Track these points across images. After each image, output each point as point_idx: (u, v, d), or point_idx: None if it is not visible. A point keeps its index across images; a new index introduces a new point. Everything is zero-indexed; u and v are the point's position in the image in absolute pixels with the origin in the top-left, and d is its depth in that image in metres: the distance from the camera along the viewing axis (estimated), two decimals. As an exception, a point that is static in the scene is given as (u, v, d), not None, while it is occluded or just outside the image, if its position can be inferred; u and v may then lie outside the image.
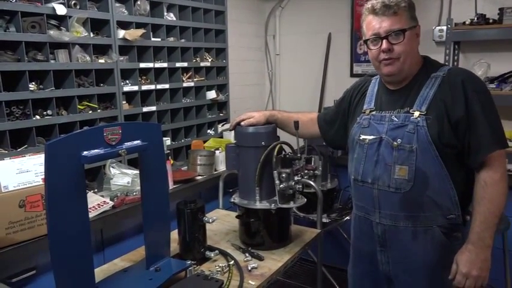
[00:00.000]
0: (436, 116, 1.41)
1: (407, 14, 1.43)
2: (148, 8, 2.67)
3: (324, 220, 2.69)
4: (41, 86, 2.15)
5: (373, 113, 1.56)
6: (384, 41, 1.43)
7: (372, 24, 1.45)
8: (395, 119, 1.48)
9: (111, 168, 2.34)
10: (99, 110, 2.42)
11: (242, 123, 1.75)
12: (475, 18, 2.75)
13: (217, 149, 2.90)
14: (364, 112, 1.60)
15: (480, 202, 1.40)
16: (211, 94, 3.23)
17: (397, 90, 1.53)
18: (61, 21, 2.22)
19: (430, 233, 1.46)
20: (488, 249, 1.40)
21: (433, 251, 1.47)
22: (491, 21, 2.73)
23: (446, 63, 2.77)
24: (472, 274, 1.39)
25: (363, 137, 1.56)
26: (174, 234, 1.66)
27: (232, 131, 1.82)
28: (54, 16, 2.16)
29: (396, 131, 1.47)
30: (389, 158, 1.47)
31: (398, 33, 1.41)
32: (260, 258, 1.64)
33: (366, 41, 1.49)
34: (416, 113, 1.43)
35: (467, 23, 2.78)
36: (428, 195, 1.43)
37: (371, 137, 1.53)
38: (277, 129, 1.81)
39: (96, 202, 2.07)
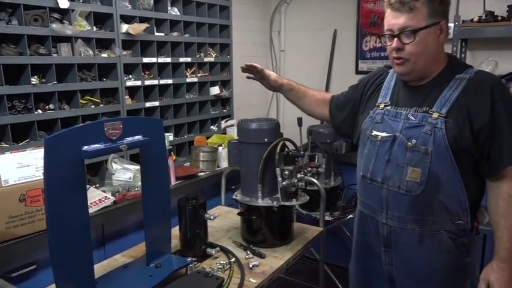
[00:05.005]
0: (456, 120, 1.34)
1: (426, 10, 1.33)
2: (152, 2, 2.65)
3: (327, 218, 2.67)
4: (43, 80, 2.14)
5: (388, 108, 1.50)
6: (395, 39, 1.36)
7: (388, 19, 1.39)
8: (412, 117, 1.41)
9: (113, 164, 2.32)
10: (101, 105, 2.40)
11: (259, 69, 1.78)
12: (483, 16, 2.71)
13: (220, 145, 2.89)
14: (378, 106, 1.53)
15: (506, 216, 1.34)
16: (215, 90, 3.21)
17: (417, 87, 1.46)
18: (64, 15, 2.20)
19: (437, 237, 1.42)
20: None
21: (438, 255, 1.43)
22: (499, 18, 2.69)
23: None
24: None
25: (375, 133, 1.50)
26: (175, 231, 1.65)
27: (235, 128, 1.81)
28: (56, 9, 2.14)
29: (412, 130, 1.40)
30: (402, 158, 1.41)
31: (410, 33, 1.34)
32: (261, 256, 1.62)
33: (381, 36, 1.44)
34: (435, 115, 1.36)
35: (475, 20, 2.75)
36: (439, 200, 1.39)
37: (384, 134, 1.47)
38: (281, 126, 1.79)
39: (98, 197, 2.06)
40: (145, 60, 2.65)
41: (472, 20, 2.77)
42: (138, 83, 2.63)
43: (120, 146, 1.27)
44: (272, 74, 1.80)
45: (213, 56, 3.20)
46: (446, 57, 1.45)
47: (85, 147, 1.18)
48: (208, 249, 1.62)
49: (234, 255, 1.61)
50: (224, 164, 2.82)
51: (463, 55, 2.95)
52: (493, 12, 2.71)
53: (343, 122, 1.72)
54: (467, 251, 1.43)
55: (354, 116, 1.67)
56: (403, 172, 1.41)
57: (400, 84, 1.52)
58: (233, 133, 3.09)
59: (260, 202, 1.68)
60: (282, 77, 1.84)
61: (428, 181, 1.37)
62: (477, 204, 1.45)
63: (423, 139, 1.37)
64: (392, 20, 1.37)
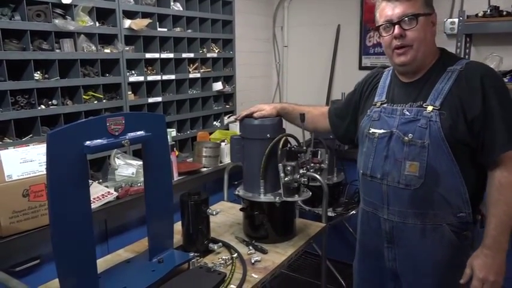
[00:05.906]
0: (450, 111, 1.35)
1: (422, 0, 1.38)
2: (154, -3, 2.64)
3: (330, 214, 2.67)
4: (46, 76, 2.14)
5: (384, 105, 1.51)
6: (396, 26, 1.37)
7: (385, 11, 1.41)
8: (407, 112, 1.43)
9: (115, 159, 2.33)
10: (104, 100, 2.41)
11: (255, 114, 1.72)
12: (488, 11, 2.69)
13: (223, 141, 2.89)
14: (375, 105, 1.54)
15: (495, 204, 1.34)
16: (218, 85, 3.21)
17: (411, 83, 1.47)
18: (66, 10, 2.20)
19: (439, 231, 1.42)
20: (504, 253, 1.35)
21: (441, 249, 1.43)
22: (504, 13, 2.66)
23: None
24: (489, 279, 1.34)
25: (372, 130, 1.51)
26: (178, 226, 1.65)
27: (238, 123, 1.80)
28: (59, 5, 2.14)
29: (407, 125, 1.41)
30: (400, 153, 1.42)
31: (412, 19, 1.36)
32: (264, 252, 1.62)
33: (377, 28, 1.45)
34: (430, 108, 1.37)
35: (479, 15, 2.72)
36: (439, 193, 1.39)
37: (381, 131, 1.48)
38: (284, 121, 1.79)
39: (101, 192, 2.06)
40: (148, 55, 2.65)
41: (476, 15, 2.74)
42: (141, 78, 2.62)
43: (123, 142, 1.27)
44: (266, 108, 1.75)
45: (216, 51, 3.19)
46: (438, 51, 1.47)
47: (87, 143, 1.18)
48: (211, 245, 1.62)
49: (236, 251, 1.62)
50: (227, 159, 2.82)
51: (467, 50, 2.93)
52: (498, 7, 2.68)
53: (347, 128, 1.72)
54: (471, 245, 1.43)
55: (356, 121, 1.67)
56: (401, 167, 1.42)
57: (395, 82, 1.53)
58: (236, 129, 3.09)
59: (262, 198, 1.68)
60: (275, 103, 1.83)
61: (427, 174, 1.38)
62: (478, 196, 1.44)
63: (419, 133, 1.38)
64: (390, 10, 1.39)
